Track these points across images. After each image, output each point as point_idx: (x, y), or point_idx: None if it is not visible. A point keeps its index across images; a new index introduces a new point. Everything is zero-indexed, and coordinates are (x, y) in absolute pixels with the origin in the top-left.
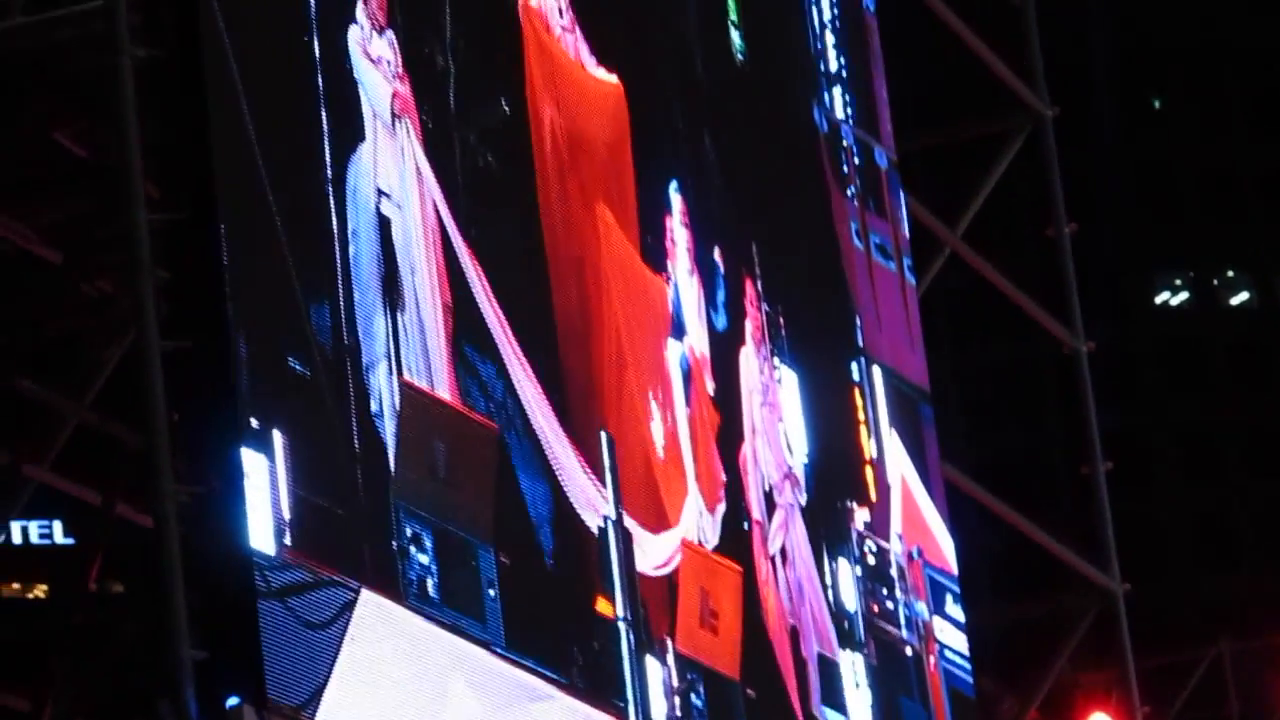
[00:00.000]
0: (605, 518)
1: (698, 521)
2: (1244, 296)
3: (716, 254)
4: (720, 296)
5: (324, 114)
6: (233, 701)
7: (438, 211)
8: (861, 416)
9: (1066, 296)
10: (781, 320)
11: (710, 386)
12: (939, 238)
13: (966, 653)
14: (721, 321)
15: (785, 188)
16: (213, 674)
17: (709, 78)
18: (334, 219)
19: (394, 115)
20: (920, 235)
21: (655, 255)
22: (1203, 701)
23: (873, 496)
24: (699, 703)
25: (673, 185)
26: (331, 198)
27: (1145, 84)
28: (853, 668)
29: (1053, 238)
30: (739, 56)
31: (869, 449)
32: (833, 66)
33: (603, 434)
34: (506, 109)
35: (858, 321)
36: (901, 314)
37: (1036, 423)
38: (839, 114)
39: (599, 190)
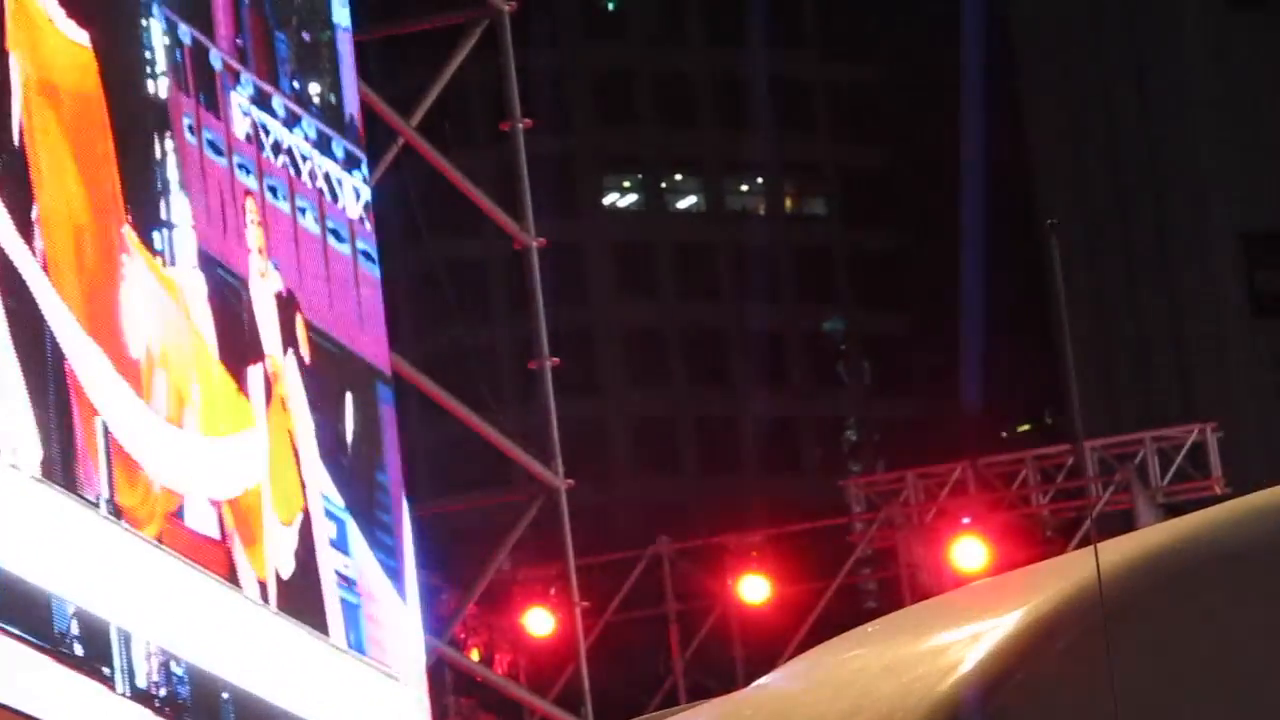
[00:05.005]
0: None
1: None
2: (692, 200)
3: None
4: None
5: None
6: None
7: None
8: None
9: (519, 192)
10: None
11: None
12: (394, 129)
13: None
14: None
15: None
16: None
17: None
18: None
19: None
20: (376, 127)
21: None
22: (641, 598)
23: None
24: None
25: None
26: None
27: None
28: None
29: (507, 132)
30: None
31: None
32: None
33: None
34: None
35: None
36: (349, 290)
37: (487, 319)
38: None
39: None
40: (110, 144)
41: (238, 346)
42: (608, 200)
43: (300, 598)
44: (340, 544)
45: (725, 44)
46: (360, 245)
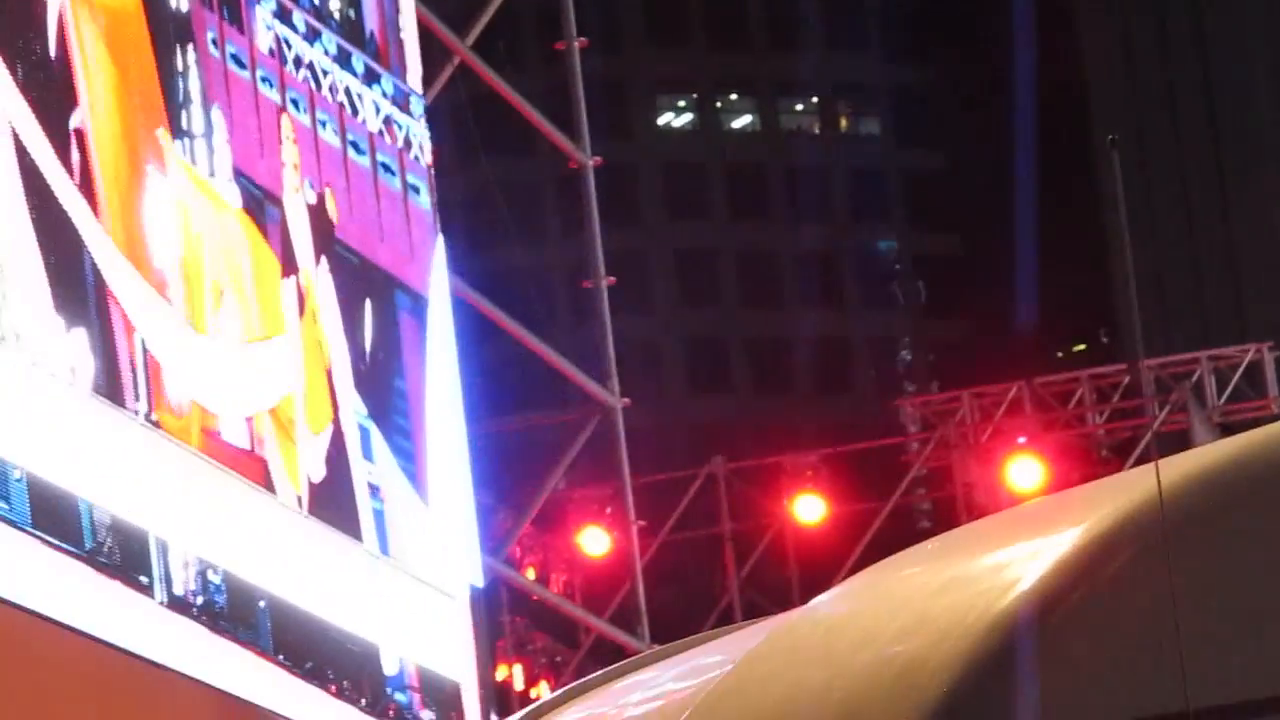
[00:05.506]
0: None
1: None
2: (746, 120)
3: None
4: None
5: None
6: None
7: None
8: None
9: (574, 111)
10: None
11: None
12: (448, 47)
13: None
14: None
15: None
16: None
17: None
18: None
19: None
20: (430, 45)
21: None
22: (696, 518)
23: None
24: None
25: None
26: None
27: None
28: None
29: (562, 52)
30: None
31: None
32: None
33: None
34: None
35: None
36: (367, 201)
37: (540, 239)
38: None
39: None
40: (151, 58)
41: (272, 259)
42: (661, 121)
43: (333, 506)
44: (366, 452)
45: None
46: (380, 158)
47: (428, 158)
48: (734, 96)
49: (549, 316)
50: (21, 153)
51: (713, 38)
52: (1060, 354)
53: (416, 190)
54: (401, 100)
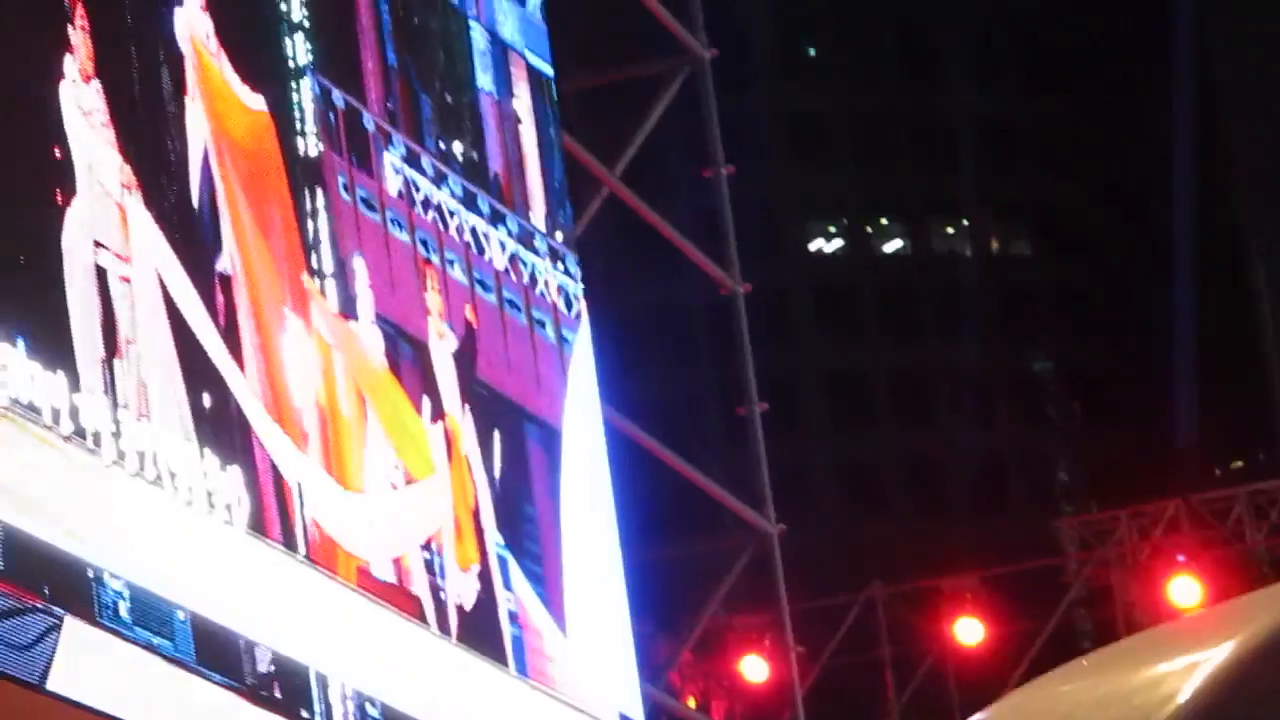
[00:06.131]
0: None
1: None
2: (897, 244)
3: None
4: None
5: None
6: None
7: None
8: None
9: (723, 237)
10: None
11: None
12: (597, 178)
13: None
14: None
15: None
16: None
17: None
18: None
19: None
20: (578, 176)
21: None
22: (856, 643)
23: None
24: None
25: None
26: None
27: (798, 30)
28: None
29: (710, 179)
30: None
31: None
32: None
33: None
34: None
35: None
36: (496, 337)
37: (692, 366)
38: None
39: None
40: (289, 202)
41: (421, 404)
42: (812, 246)
43: (481, 637)
44: (505, 581)
45: (920, 79)
46: (506, 295)
47: (553, 294)
48: (884, 221)
49: (702, 444)
50: (168, 299)
51: (859, 159)
52: (1219, 471)
53: (542, 324)
54: (526, 238)
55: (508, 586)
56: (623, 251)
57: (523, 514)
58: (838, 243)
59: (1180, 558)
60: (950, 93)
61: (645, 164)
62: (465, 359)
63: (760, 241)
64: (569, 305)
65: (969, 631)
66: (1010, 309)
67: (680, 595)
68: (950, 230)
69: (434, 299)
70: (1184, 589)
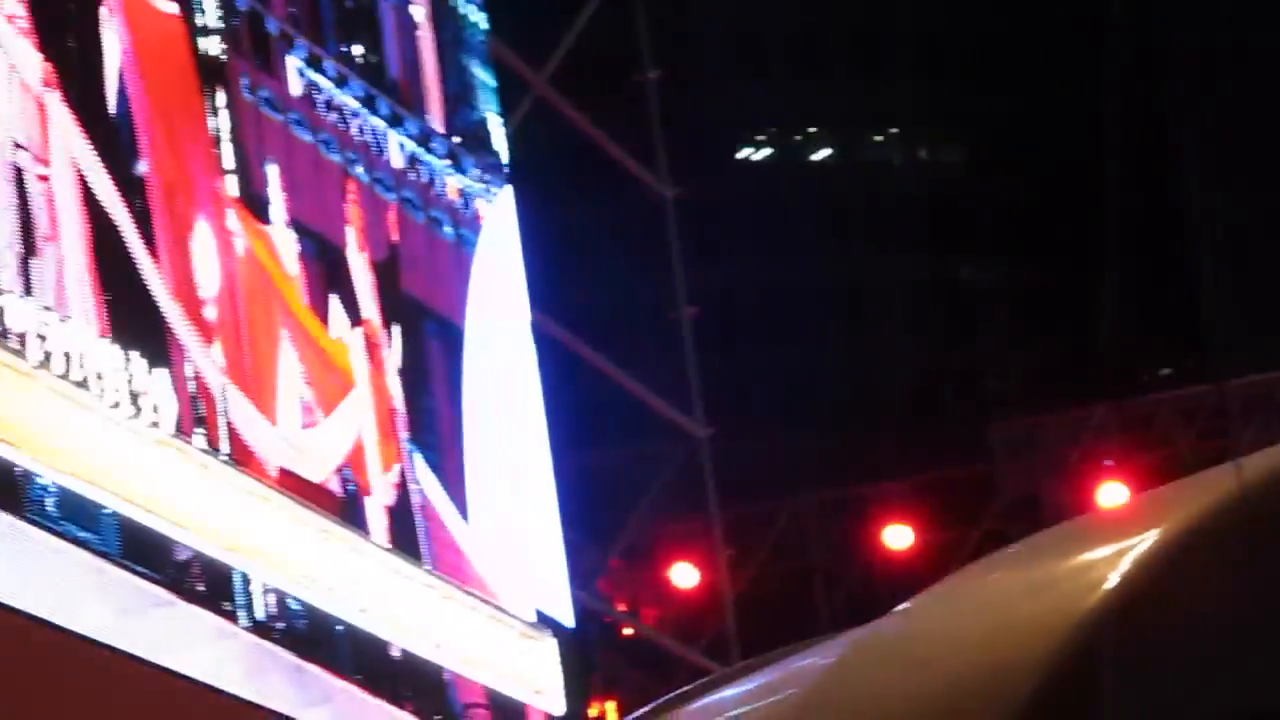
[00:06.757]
0: None
1: None
2: (826, 153)
3: None
4: None
5: None
6: None
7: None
8: None
9: (653, 142)
10: None
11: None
12: (526, 82)
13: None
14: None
15: None
16: None
17: None
18: None
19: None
20: (508, 82)
21: None
22: (786, 551)
23: None
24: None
25: None
26: None
27: None
28: None
29: (641, 83)
30: None
31: None
32: None
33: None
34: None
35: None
36: (393, 234)
37: (626, 274)
38: None
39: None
40: (202, 108)
41: (333, 310)
42: (740, 155)
43: (402, 534)
44: (413, 474)
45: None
46: (405, 194)
47: (451, 194)
48: (812, 130)
49: (636, 352)
50: (87, 199)
51: (793, 70)
52: (1147, 379)
53: (439, 223)
54: (424, 140)
55: (414, 479)
56: (558, 162)
57: (420, 405)
58: (766, 151)
59: (1108, 463)
60: (884, 3)
61: (580, 74)
62: (388, 268)
63: (690, 152)
64: (466, 205)
65: (898, 538)
66: (938, 220)
67: (613, 502)
68: (880, 139)
69: (354, 210)
70: (1113, 494)
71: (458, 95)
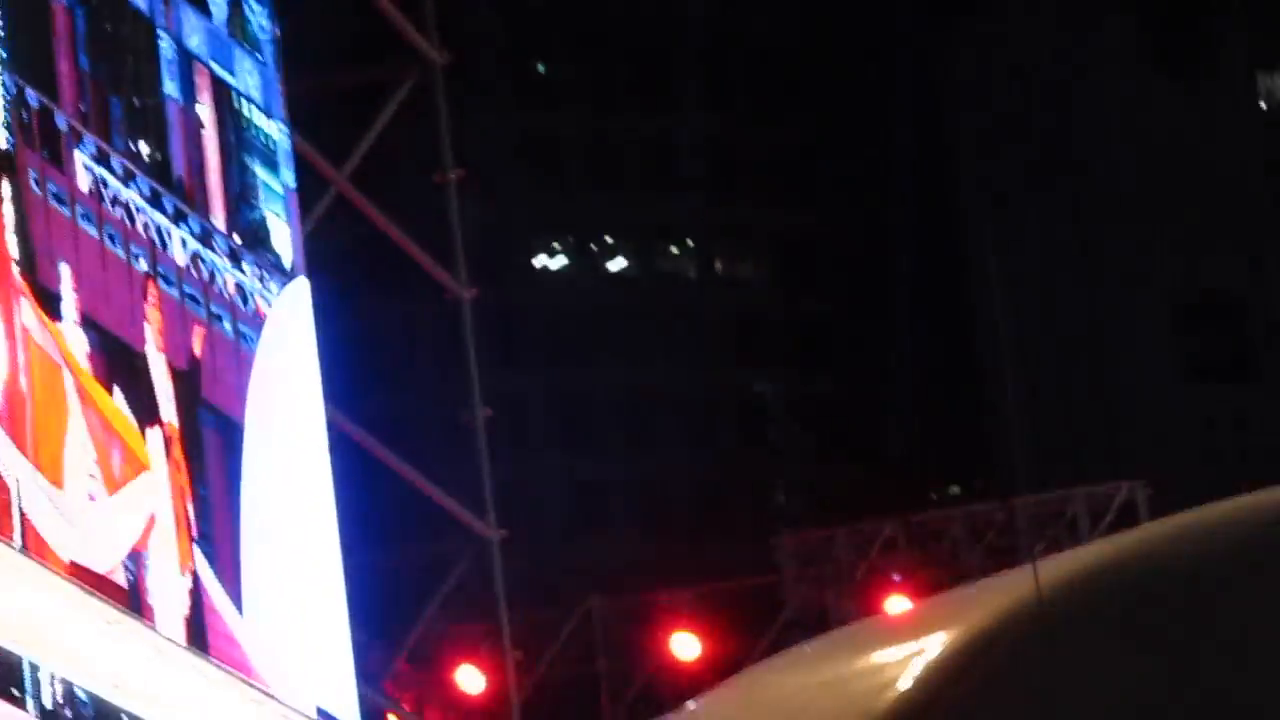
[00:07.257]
0: None
1: None
2: (622, 264)
3: None
4: None
5: None
6: None
7: None
8: None
9: (451, 243)
10: None
11: None
12: (327, 179)
13: None
14: None
15: None
16: None
17: None
18: None
19: None
20: (310, 180)
21: None
22: (574, 656)
23: None
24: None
25: None
26: None
27: (531, 49)
28: None
29: (440, 184)
30: None
31: None
32: None
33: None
34: None
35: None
36: (174, 328)
37: (420, 375)
38: None
39: None
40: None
41: (136, 407)
42: (537, 263)
43: (192, 628)
44: (194, 563)
45: (654, 109)
46: (187, 289)
47: (230, 291)
48: (609, 240)
49: (428, 452)
50: None
51: (591, 179)
52: (936, 495)
53: (219, 319)
54: (206, 238)
55: (195, 570)
56: (357, 260)
57: (198, 496)
58: (562, 260)
59: (896, 577)
60: (679, 116)
61: (379, 174)
62: (187, 369)
63: (487, 258)
64: (245, 302)
65: (684, 647)
66: (732, 332)
67: (402, 602)
68: (675, 251)
69: (153, 311)
70: (900, 609)
71: (239, 194)
